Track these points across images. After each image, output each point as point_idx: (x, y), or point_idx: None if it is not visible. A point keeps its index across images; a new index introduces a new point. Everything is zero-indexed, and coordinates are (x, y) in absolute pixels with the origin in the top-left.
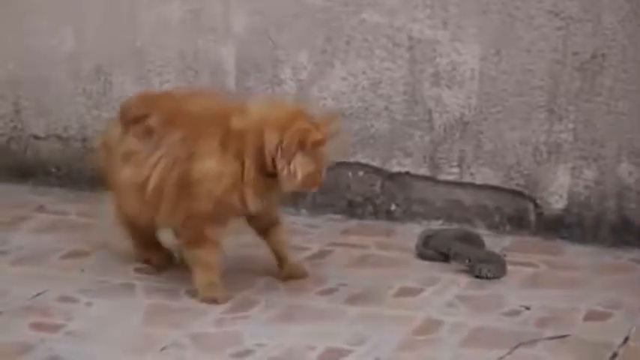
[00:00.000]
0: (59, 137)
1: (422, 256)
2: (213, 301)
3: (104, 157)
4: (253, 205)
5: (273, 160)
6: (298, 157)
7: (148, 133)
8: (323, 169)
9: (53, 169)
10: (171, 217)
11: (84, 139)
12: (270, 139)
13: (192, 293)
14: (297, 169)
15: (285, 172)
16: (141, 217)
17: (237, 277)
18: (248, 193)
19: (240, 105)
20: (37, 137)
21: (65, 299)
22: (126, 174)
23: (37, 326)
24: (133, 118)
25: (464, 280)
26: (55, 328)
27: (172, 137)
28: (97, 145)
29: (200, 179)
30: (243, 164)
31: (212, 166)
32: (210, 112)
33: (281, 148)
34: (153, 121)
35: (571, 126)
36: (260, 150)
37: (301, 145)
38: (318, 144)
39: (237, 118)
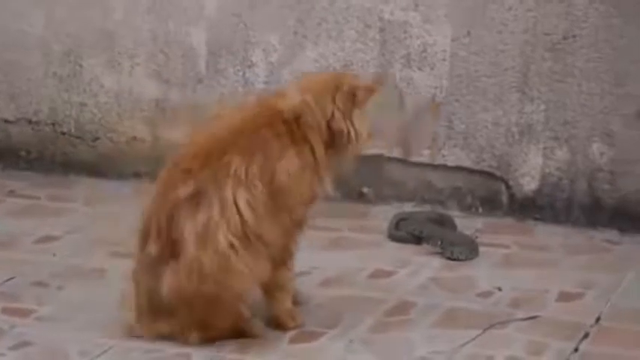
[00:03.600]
0: (29, 121)
1: (394, 238)
2: (297, 327)
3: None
4: (329, 187)
5: (330, 130)
6: (356, 114)
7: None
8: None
9: (23, 153)
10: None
11: (54, 123)
12: (325, 106)
13: (271, 321)
14: (361, 127)
15: (350, 134)
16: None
17: None
18: (325, 176)
19: (274, 92)
20: (7, 121)
21: (36, 284)
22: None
23: (8, 311)
24: None
25: (436, 262)
26: (26, 313)
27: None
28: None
29: (288, 182)
30: (312, 148)
31: (293, 164)
32: (253, 112)
33: (338, 111)
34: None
35: (543, 107)
36: (318, 125)
37: (355, 101)
38: (370, 94)
39: (283, 102)
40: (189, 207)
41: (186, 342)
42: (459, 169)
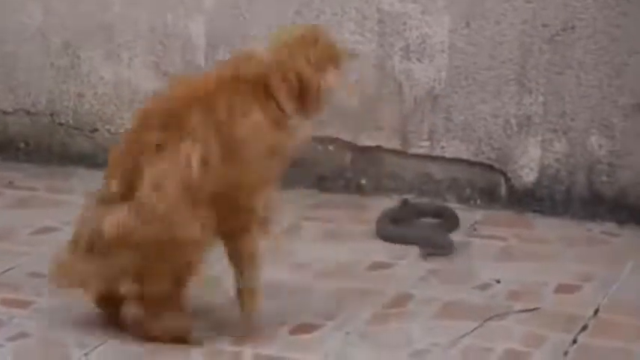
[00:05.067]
0: (28, 112)
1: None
2: (254, 311)
3: None
4: (305, 136)
5: (302, 84)
6: (330, 70)
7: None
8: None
9: (22, 145)
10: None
11: (52, 114)
12: (297, 60)
13: (239, 298)
14: (334, 80)
15: (321, 89)
16: None
17: None
18: (295, 129)
19: (244, 53)
20: (5, 112)
21: (35, 275)
22: None
23: (7, 302)
24: None
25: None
26: (24, 304)
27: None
28: None
29: (249, 137)
30: (278, 104)
31: (256, 119)
32: (216, 75)
33: (310, 65)
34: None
35: (541, 99)
36: (288, 79)
37: (331, 58)
38: (346, 55)
39: (246, 64)
40: (152, 154)
41: (118, 292)
42: (457, 161)
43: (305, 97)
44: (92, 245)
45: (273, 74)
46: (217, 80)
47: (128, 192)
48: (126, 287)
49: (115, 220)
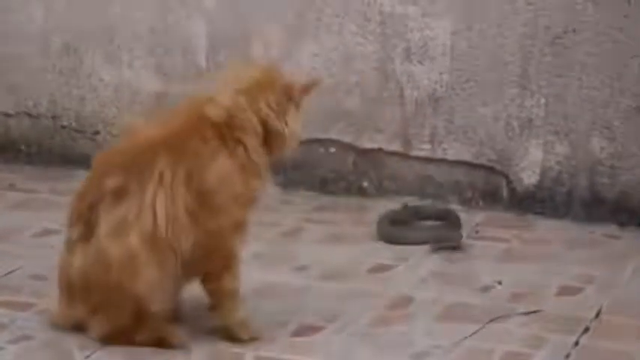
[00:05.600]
0: (29, 114)
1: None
2: (255, 339)
3: None
4: (268, 185)
5: (265, 129)
6: (292, 114)
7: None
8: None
9: (23, 147)
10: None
11: (54, 117)
12: (258, 107)
13: (225, 333)
14: (297, 127)
15: (285, 135)
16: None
17: None
18: (264, 175)
19: (204, 95)
20: (6, 114)
21: (36, 278)
22: None
23: (8, 305)
24: None
25: (436, 255)
26: (26, 306)
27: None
28: None
29: (218, 185)
30: (245, 148)
31: (224, 166)
32: (182, 119)
33: (272, 112)
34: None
35: (543, 101)
36: (252, 125)
37: (290, 100)
38: (305, 93)
39: (211, 107)
40: (112, 199)
41: (91, 331)
42: (459, 163)
43: (271, 143)
44: (71, 293)
45: (239, 121)
46: (184, 122)
47: (85, 233)
48: (95, 324)
49: (78, 265)
